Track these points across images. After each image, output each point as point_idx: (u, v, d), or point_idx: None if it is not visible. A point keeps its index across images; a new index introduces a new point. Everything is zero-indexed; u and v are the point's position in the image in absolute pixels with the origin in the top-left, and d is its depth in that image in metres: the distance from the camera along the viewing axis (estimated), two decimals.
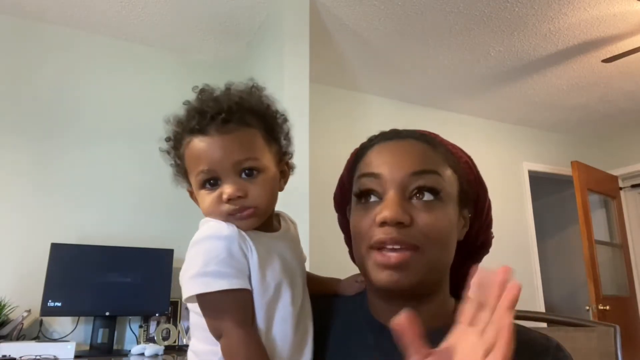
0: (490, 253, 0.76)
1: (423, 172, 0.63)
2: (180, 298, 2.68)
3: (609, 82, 3.51)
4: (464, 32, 2.86)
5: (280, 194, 0.72)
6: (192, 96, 0.71)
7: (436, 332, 0.54)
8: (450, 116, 4.01)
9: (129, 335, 2.55)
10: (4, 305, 2.26)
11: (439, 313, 0.65)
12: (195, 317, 0.67)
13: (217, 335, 0.62)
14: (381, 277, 0.62)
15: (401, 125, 0.75)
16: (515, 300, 0.44)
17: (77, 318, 2.45)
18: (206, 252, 0.62)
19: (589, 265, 3.59)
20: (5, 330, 2.22)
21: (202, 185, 0.67)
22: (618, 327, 0.96)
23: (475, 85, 3.58)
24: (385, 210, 0.61)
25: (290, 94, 2.34)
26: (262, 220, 0.69)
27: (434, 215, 0.62)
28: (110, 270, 2.42)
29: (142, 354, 2.22)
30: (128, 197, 2.74)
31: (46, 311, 2.28)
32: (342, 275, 0.82)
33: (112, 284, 2.40)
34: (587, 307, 3.55)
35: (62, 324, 2.44)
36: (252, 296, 0.63)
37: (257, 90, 0.72)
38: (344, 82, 3.52)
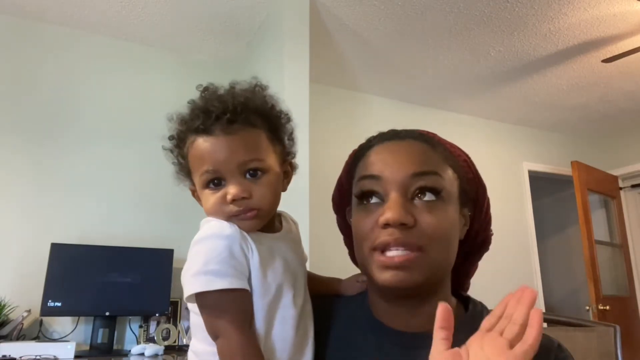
0: (490, 253, 0.76)
1: (424, 173, 0.63)
2: (180, 298, 2.68)
3: (609, 82, 3.51)
4: (464, 32, 2.86)
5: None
6: (192, 96, 0.71)
7: None
8: (450, 116, 4.01)
9: (129, 335, 2.55)
10: (4, 305, 2.26)
11: None
12: (196, 317, 0.66)
13: (214, 335, 0.62)
14: (385, 277, 0.62)
15: (401, 125, 0.75)
16: (533, 300, 0.49)
17: (77, 318, 2.45)
18: (207, 251, 0.62)
19: (589, 265, 3.59)
20: (5, 330, 2.22)
21: (206, 185, 0.67)
22: (618, 327, 0.95)
23: (475, 85, 3.58)
24: (388, 211, 0.61)
25: (290, 94, 2.34)
26: (266, 222, 0.69)
27: (437, 215, 0.62)
28: (110, 270, 2.42)
29: (142, 354, 2.22)
30: (128, 197, 2.74)
31: (46, 311, 2.28)
32: (343, 275, 0.82)
33: (112, 284, 2.40)
34: (587, 307, 3.55)
35: (62, 324, 2.43)
36: (251, 297, 0.63)
37: (261, 89, 0.72)
38: (344, 82, 3.52)
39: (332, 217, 0.81)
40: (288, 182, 0.75)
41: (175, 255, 2.54)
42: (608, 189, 4.21)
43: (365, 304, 0.72)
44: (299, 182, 2.15)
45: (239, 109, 0.65)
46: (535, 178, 4.35)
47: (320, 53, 2.94)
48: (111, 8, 2.64)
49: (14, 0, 2.58)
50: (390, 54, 3.13)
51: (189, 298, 0.63)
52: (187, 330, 2.53)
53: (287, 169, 0.74)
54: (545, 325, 1.48)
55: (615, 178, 4.34)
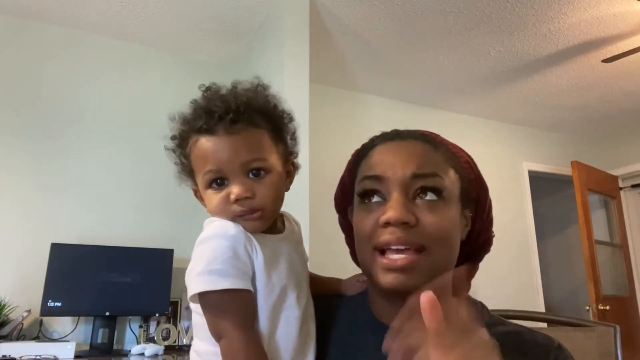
0: (490, 253, 0.76)
1: (424, 174, 0.63)
2: (180, 298, 2.68)
3: (609, 82, 3.51)
4: (464, 32, 2.86)
5: None
6: (192, 96, 0.71)
7: None
8: (450, 116, 4.01)
9: (129, 335, 2.55)
10: (4, 305, 2.26)
11: None
12: (199, 317, 0.66)
13: (217, 336, 0.62)
14: (387, 279, 0.62)
15: (401, 125, 0.75)
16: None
17: (77, 318, 2.45)
18: (212, 251, 0.62)
19: (589, 265, 3.59)
20: (5, 330, 2.22)
21: (209, 185, 0.67)
22: (618, 327, 0.95)
23: (475, 85, 3.58)
24: (390, 210, 0.61)
25: (290, 94, 2.34)
26: (270, 222, 0.69)
27: (438, 215, 0.62)
28: (110, 270, 2.42)
29: (142, 354, 2.22)
30: (128, 197, 2.74)
31: (46, 311, 2.28)
32: (343, 276, 0.82)
33: (112, 284, 2.40)
34: (587, 307, 3.55)
35: (62, 324, 2.43)
36: (254, 298, 0.63)
37: (263, 89, 0.72)
38: (344, 82, 3.52)
39: (332, 216, 0.81)
40: (291, 182, 0.75)
41: (175, 255, 2.54)
42: (608, 189, 4.21)
43: (366, 304, 0.72)
44: (299, 182, 2.15)
45: (241, 109, 0.65)
46: (535, 178, 4.35)
47: (320, 53, 2.94)
48: (111, 8, 2.64)
49: (14, 0, 2.58)
50: (390, 54, 3.13)
51: (193, 298, 0.63)
52: (187, 330, 2.53)
53: (290, 169, 0.74)
54: (545, 325, 1.48)
55: (615, 178, 4.35)
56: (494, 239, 0.76)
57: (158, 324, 2.54)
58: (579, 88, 3.60)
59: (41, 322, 2.36)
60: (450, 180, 0.65)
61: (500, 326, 0.68)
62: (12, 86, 2.64)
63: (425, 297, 0.43)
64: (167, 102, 2.20)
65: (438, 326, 0.43)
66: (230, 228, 0.64)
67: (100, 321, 2.39)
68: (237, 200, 0.64)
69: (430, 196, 0.63)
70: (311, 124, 2.36)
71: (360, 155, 0.72)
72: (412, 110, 3.85)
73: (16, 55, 2.68)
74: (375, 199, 0.65)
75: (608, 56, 3.01)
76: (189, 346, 2.47)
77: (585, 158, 4.11)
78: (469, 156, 0.72)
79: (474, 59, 3.19)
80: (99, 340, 2.36)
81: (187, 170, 0.71)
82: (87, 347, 2.38)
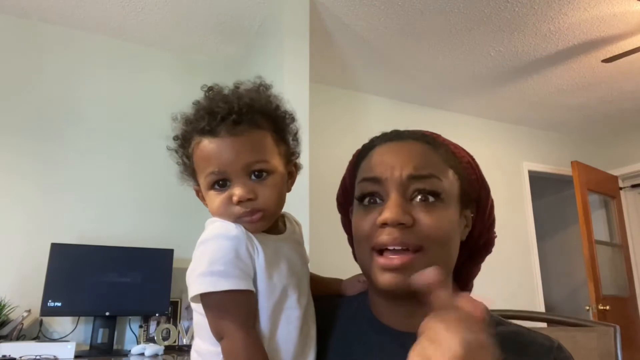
0: (491, 253, 0.76)
1: (421, 176, 0.63)
2: (180, 298, 2.67)
3: (609, 82, 3.51)
4: (464, 32, 2.86)
5: None
6: (192, 96, 0.71)
7: None
8: (450, 116, 4.01)
9: (129, 335, 2.55)
10: (4, 305, 2.26)
11: None
12: (200, 318, 0.66)
13: (219, 336, 0.62)
14: (384, 279, 0.62)
15: (401, 125, 0.75)
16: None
17: (77, 318, 2.44)
18: (213, 252, 0.63)
19: (589, 265, 3.59)
20: (5, 330, 2.22)
21: (212, 186, 0.67)
22: (618, 327, 0.95)
23: (476, 85, 3.58)
24: (387, 211, 0.61)
25: (290, 94, 2.32)
26: (271, 223, 0.69)
27: (435, 216, 0.62)
28: (110, 270, 2.42)
29: (142, 354, 2.22)
30: (128, 197, 2.74)
31: (46, 311, 2.27)
32: (343, 276, 0.82)
33: (112, 284, 2.40)
34: (587, 307, 3.55)
35: (62, 324, 2.43)
36: (255, 298, 0.63)
37: (265, 89, 0.72)
38: (344, 82, 3.52)
39: (332, 217, 0.82)
40: (292, 183, 0.75)
41: (175, 255, 2.54)
42: (608, 189, 4.21)
43: (366, 304, 0.72)
44: (299, 182, 2.14)
45: (244, 110, 0.65)
46: (535, 178, 4.35)
47: (320, 53, 2.94)
48: (111, 8, 2.64)
49: (14, 0, 2.58)
50: (390, 54, 3.13)
51: (194, 298, 0.63)
52: (187, 330, 2.53)
53: (292, 170, 0.74)
54: (545, 325, 1.48)
55: (615, 178, 4.35)
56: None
57: (158, 324, 2.54)
58: (579, 88, 3.60)
59: (41, 322, 2.36)
60: (449, 181, 0.65)
61: (500, 326, 0.68)
62: (12, 86, 2.63)
63: (433, 269, 0.46)
64: (167, 102, 2.20)
65: (445, 296, 0.45)
66: (231, 228, 0.64)
67: (100, 321, 2.39)
68: (239, 202, 0.64)
69: (428, 198, 0.63)
70: (311, 124, 2.36)
71: (360, 156, 0.72)
72: (412, 110, 3.85)
73: (16, 55, 2.68)
74: (374, 200, 0.65)
75: (608, 56, 3.01)
76: (189, 346, 2.48)
77: (585, 158, 4.11)
78: (471, 156, 0.72)
79: (474, 58, 3.19)
80: (99, 340, 2.36)
81: (189, 170, 0.71)
82: (87, 347, 2.38)
